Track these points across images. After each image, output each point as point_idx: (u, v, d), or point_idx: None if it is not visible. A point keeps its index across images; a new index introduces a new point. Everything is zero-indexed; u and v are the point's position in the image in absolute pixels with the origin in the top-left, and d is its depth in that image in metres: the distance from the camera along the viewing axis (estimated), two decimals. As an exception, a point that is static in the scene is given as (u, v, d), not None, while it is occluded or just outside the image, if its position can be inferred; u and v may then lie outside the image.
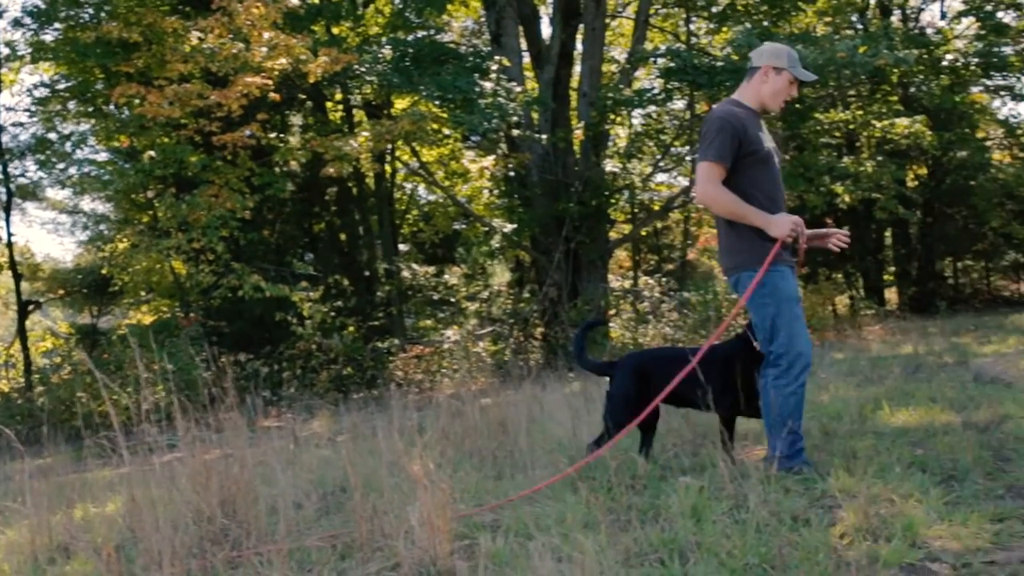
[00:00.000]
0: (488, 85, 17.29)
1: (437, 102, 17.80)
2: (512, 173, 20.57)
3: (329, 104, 21.70)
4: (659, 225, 28.57)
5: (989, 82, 25.85)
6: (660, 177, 24.54)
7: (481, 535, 4.37)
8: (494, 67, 17.90)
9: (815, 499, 4.92)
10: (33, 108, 20.81)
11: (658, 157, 22.04)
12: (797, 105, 15.20)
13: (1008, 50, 24.61)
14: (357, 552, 4.48)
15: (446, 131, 19.41)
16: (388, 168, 22.58)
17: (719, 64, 17.94)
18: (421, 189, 26.65)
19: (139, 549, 4.50)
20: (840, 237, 5.90)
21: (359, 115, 21.84)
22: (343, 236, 23.03)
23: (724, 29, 21.81)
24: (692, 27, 24.80)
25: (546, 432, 7.08)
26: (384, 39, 19.49)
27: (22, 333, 21.30)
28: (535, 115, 19.84)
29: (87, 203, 26.74)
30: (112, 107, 17.16)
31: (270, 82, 15.36)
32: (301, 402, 14.41)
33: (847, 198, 21.06)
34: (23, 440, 6.17)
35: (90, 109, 18.03)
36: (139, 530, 4.57)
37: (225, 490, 4.80)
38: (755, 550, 3.97)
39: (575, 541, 3.92)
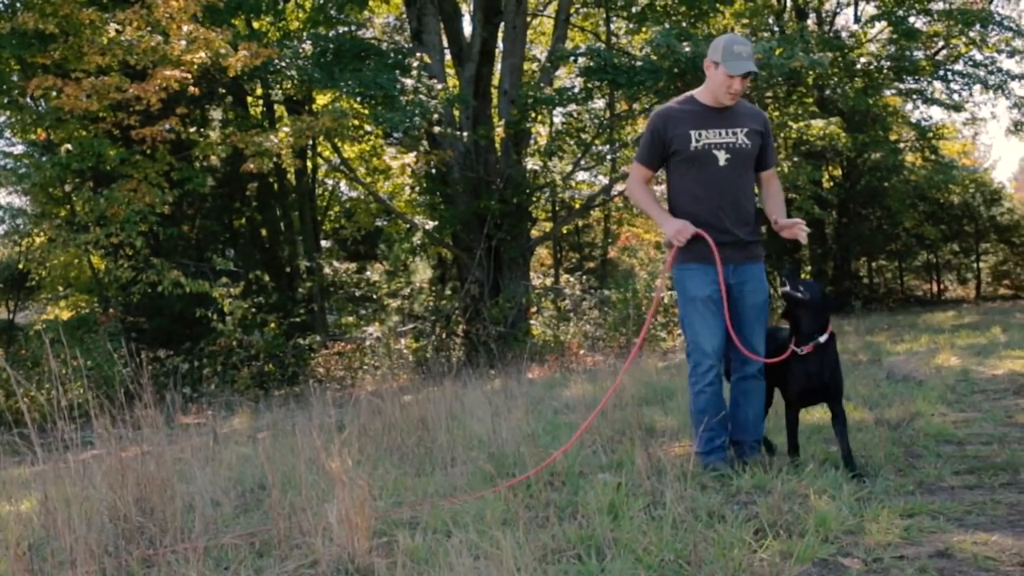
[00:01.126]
0: (409, 82, 17.22)
1: (358, 98, 17.73)
2: (433, 170, 20.51)
3: (250, 99, 21.50)
4: (580, 223, 28.69)
5: (901, 85, 26.34)
6: (581, 175, 24.64)
7: (400, 532, 4.37)
8: (415, 64, 17.84)
9: (731, 495, 4.99)
10: (-55, 100, 20.32)
11: (579, 155, 22.11)
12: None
13: (919, 54, 25.14)
14: (275, 550, 4.46)
15: (367, 128, 19.33)
16: (309, 164, 22.44)
17: (638, 64, 18.01)
18: (343, 185, 26.54)
19: (52, 548, 4.44)
20: (802, 227, 5.78)
21: (280, 110, 21.66)
22: (264, 232, 22.82)
23: (643, 29, 21.92)
24: (612, 27, 24.95)
25: (466, 429, 7.08)
26: (305, 34, 19.34)
27: (-65, 329, 20.87)
28: (456, 112, 19.81)
29: (2, 196, 26.19)
30: (28, 99, 16.83)
31: (189, 76, 15.14)
32: (221, 399, 14.27)
33: (764, 198, 21.27)
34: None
35: (5, 101, 17.64)
36: (52, 529, 4.50)
37: (141, 488, 4.74)
38: (671, 546, 4.01)
39: (493, 538, 3.94)
